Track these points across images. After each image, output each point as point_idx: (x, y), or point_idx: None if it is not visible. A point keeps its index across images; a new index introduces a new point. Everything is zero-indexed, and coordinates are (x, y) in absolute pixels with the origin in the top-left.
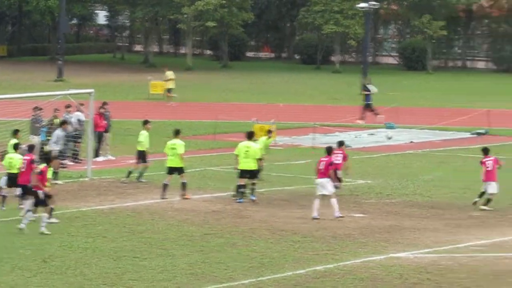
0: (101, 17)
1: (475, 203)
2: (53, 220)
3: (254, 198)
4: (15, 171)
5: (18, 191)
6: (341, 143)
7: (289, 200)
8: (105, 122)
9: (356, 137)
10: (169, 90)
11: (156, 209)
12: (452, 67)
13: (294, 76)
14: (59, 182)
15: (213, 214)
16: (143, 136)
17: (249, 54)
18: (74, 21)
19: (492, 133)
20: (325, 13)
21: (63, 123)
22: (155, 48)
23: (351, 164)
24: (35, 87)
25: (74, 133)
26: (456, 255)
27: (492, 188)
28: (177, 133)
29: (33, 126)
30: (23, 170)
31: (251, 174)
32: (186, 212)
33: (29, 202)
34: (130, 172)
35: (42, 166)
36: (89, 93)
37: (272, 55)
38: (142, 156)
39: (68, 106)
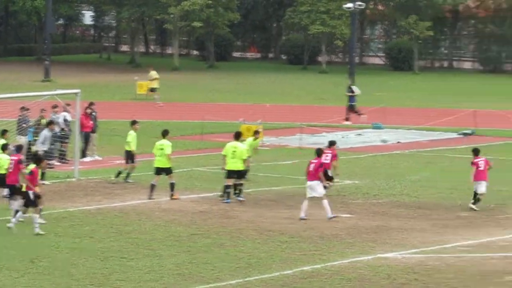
0: (88, 17)
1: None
2: (40, 220)
3: (241, 198)
4: (2, 171)
5: (5, 191)
6: (331, 143)
7: (276, 201)
8: (92, 122)
9: (343, 137)
10: (152, 90)
11: (143, 209)
12: (438, 67)
13: (281, 77)
14: (46, 182)
15: (200, 214)
16: (131, 136)
17: (236, 54)
18: (61, 22)
19: (479, 133)
20: (311, 13)
21: (50, 123)
22: (142, 48)
23: (339, 164)
24: (22, 88)
25: (60, 133)
26: (443, 256)
27: (482, 187)
28: (165, 134)
29: (20, 127)
30: (10, 170)
31: (238, 175)
32: (173, 212)
33: (18, 203)
34: (119, 172)
35: (32, 166)
36: (76, 94)
37: (259, 55)
38: (129, 156)
39: (55, 107)
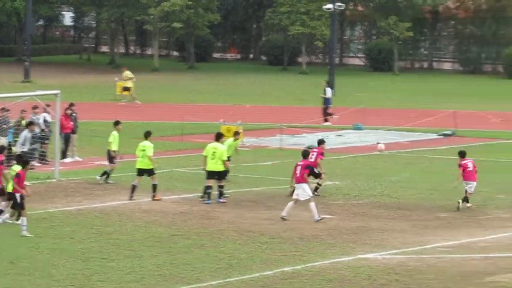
0: (67, 18)
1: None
2: (19, 222)
3: (222, 200)
4: None
5: None
6: (320, 141)
7: (256, 201)
8: (72, 123)
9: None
10: (126, 89)
11: (123, 210)
12: (418, 68)
13: (261, 77)
14: (26, 183)
15: (180, 215)
16: (113, 136)
17: (216, 55)
18: (41, 22)
19: (459, 134)
20: (291, 14)
21: (30, 124)
22: (121, 49)
23: (323, 163)
24: (2, 88)
25: (41, 134)
26: (424, 256)
27: (472, 187)
28: (147, 135)
29: (0, 128)
30: None
31: (218, 176)
32: (154, 213)
33: (4, 203)
34: (105, 172)
35: (18, 168)
36: (56, 94)
37: (239, 56)
38: (109, 156)
39: (35, 107)
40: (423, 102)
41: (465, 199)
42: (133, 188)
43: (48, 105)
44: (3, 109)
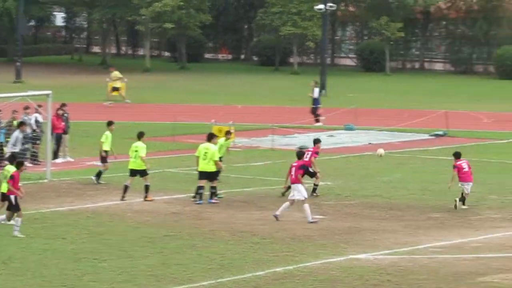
0: (59, 18)
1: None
2: (12, 222)
3: (213, 201)
4: None
5: None
6: (316, 141)
7: (248, 202)
8: (64, 123)
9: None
10: (116, 89)
11: (115, 210)
12: (410, 68)
13: (252, 78)
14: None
15: (172, 215)
16: (105, 136)
17: (207, 55)
18: (32, 23)
19: (451, 134)
20: (282, 14)
21: (21, 124)
22: (113, 50)
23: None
24: None
25: (32, 134)
26: (416, 257)
27: (468, 188)
28: (140, 136)
29: None
30: None
31: (210, 176)
32: (145, 213)
33: None
34: (100, 172)
35: (13, 169)
36: (47, 95)
37: (230, 56)
38: (101, 156)
39: (26, 108)
40: (415, 102)
41: (462, 200)
42: (125, 188)
43: (39, 106)
44: None
